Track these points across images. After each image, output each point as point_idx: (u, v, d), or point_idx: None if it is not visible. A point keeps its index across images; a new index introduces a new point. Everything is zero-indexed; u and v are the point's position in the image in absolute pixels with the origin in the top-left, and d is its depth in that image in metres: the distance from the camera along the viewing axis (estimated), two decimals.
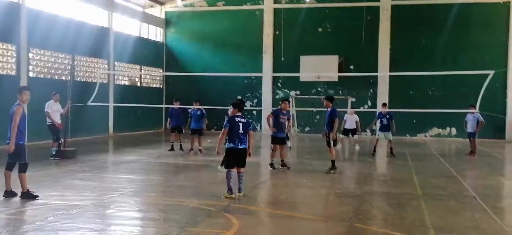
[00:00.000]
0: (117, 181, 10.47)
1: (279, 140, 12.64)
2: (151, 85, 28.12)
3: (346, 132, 18.56)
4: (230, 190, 8.60)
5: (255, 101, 27.04)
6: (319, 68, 24.74)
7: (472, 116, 16.78)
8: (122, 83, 25.47)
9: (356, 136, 18.64)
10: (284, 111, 12.94)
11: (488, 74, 14.71)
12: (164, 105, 27.38)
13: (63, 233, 6.33)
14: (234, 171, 8.68)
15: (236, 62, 27.19)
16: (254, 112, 27.03)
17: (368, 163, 14.52)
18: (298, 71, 25.11)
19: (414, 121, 24.68)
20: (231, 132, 8.58)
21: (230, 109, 9.26)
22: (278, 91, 27.01)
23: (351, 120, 18.52)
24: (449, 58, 24.40)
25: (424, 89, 24.77)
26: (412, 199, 8.91)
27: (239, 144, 8.61)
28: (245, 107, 12.58)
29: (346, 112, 19.59)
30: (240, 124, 8.63)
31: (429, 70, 22.59)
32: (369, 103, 25.55)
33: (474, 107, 16.50)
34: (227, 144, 8.75)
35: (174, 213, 7.52)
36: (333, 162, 11.92)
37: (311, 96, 25.56)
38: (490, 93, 21.32)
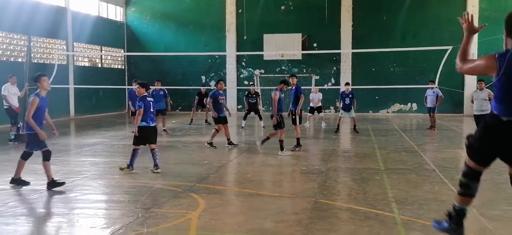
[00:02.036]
0: (80, 164, 10.26)
1: (222, 119, 12.71)
2: (112, 66, 27.54)
3: (311, 110, 18.75)
4: (131, 165, 9.14)
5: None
6: (283, 46, 24.82)
7: (432, 92, 17.23)
8: (82, 65, 24.84)
9: (322, 113, 18.91)
10: (221, 92, 12.92)
11: (446, 50, 15.09)
12: (126, 87, 26.88)
13: (23, 218, 6.17)
14: (140, 148, 9.19)
15: (199, 42, 26.93)
16: (208, 92, 26.84)
17: (332, 140, 14.73)
18: (261, 50, 25.12)
19: (377, 97, 25.17)
20: (145, 111, 9.01)
21: (136, 88, 9.82)
22: (242, 70, 26.94)
23: (316, 97, 18.72)
24: (410, 34, 24.89)
25: (386, 66, 25.23)
26: (375, 173, 9.10)
27: (151, 122, 9.14)
28: (210, 87, 12.54)
29: (310, 90, 19.79)
30: (151, 103, 9.17)
31: (391, 47, 23.04)
32: (333, 80, 25.85)
33: (434, 83, 16.98)
34: (140, 122, 9.05)
35: (139, 194, 7.44)
36: (298, 139, 12.05)
37: (276, 75, 25.64)
38: (449, 69, 21.80)
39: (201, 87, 20.00)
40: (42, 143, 7.83)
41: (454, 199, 4.24)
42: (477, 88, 13.22)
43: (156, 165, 9.13)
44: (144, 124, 9.04)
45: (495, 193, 7.50)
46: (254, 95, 18.20)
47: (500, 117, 3.84)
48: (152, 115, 9.18)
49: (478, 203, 6.90)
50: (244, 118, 18.32)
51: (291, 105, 12.42)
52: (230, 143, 12.69)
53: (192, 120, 19.41)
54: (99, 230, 5.71)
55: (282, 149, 11.49)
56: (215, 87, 13.05)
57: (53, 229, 5.82)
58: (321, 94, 18.96)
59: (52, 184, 7.74)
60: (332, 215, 6.26)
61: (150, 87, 16.36)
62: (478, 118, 12.88)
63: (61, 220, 6.23)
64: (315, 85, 21.57)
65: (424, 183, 8.27)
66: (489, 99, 12.44)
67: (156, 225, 5.81)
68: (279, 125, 11.61)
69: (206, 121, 19.49)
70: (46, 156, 7.84)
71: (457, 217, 4.10)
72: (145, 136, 9.11)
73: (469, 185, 4.08)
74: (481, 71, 4.04)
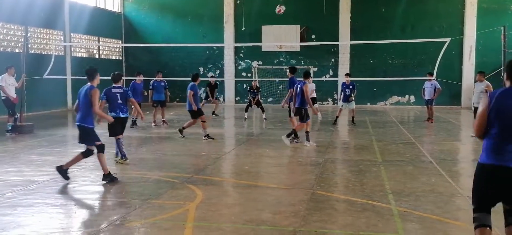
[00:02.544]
0: None
1: (201, 112, 12.63)
2: (110, 57, 27.44)
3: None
4: (123, 155, 9.19)
5: (217, 72, 26.83)
6: (281, 38, 24.76)
7: (430, 84, 17.23)
8: (80, 56, 24.75)
9: (316, 105, 18.76)
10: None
11: (445, 42, 15.08)
12: (124, 78, 26.79)
13: (21, 209, 6.17)
14: (121, 137, 9.22)
15: (197, 33, 26.84)
16: (217, 83, 26.82)
17: (330, 131, 14.74)
18: (260, 41, 25.05)
19: (375, 89, 25.16)
20: (111, 103, 9.08)
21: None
22: (240, 61, 26.89)
23: (309, 88, 18.53)
24: (408, 26, 24.84)
25: (384, 58, 25.20)
26: (372, 165, 9.12)
27: (121, 113, 9.12)
28: (200, 79, 12.62)
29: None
30: (118, 94, 9.11)
31: (389, 39, 23.01)
32: (331, 72, 25.81)
33: (432, 75, 16.97)
34: (109, 113, 9.04)
35: (136, 186, 7.45)
36: (294, 131, 12.01)
37: (274, 67, 25.62)
38: (447, 61, 21.98)
39: (210, 79, 20.08)
40: (97, 136, 7.76)
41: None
42: (476, 80, 13.20)
43: (123, 156, 9.17)
44: (113, 114, 8.99)
45: None
46: (255, 90, 18.37)
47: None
48: (122, 106, 9.11)
49: (469, 194, 6.93)
50: (246, 110, 18.41)
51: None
52: (207, 136, 12.51)
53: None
54: (96, 221, 5.72)
55: (308, 140, 11.57)
56: (194, 82, 12.83)
57: (50, 219, 5.83)
58: (314, 85, 18.84)
59: (108, 176, 7.64)
60: (329, 207, 6.28)
61: (152, 78, 16.46)
62: (476, 110, 12.88)
63: (59, 210, 6.23)
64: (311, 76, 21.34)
65: (421, 175, 8.29)
66: (487, 92, 12.44)
67: (154, 216, 5.83)
68: (305, 117, 11.67)
69: (213, 112, 19.50)
70: (101, 149, 7.73)
71: None
72: (115, 125, 9.01)
73: (479, 218, 4.04)
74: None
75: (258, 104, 18.31)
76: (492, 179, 3.84)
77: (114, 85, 9.27)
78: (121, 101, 9.11)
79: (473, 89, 13.06)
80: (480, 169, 3.96)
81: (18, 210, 6.13)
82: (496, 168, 3.79)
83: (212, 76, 21.18)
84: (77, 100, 7.87)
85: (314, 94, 18.59)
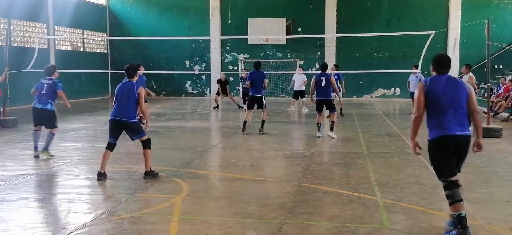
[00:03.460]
0: (62, 150, 10.13)
1: None
2: (95, 50, 27.16)
3: (295, 95, 18.71)
4: (36, 147, 9.15)
5: (203, 65, 26.73)
6: (267, 31, 24.73)
7: (415, 77, 17.36)
8: (64, 49, 24.46)
9: (304, 99, 18.81)
10: None
11: (429, 35, 15.20)
12: (109, 71, 26.63)
13: (4, 203, 6.09)
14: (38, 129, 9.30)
15: (183, 26, 26.67)
16: (203, 76, 26.78)
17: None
18: (246, 34, 24.99)
19: (360, 82, 25.30)
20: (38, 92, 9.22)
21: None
22: (226, 54, 26.80)
23: (300, 79, 18.56)
24: (394, 20, 24.98)
25: (370, 51, 25.33)
26: (358, 157, 9.18)
27: (38, 104, 9.16)
28: (194, 72, 12.50)
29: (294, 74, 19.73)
30: (45, 85, 9.19)
31: (374, 32, 23.13)
32: (317, 65, 25.84)
33: (417, 67, 17.08)
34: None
35: (122, 179, 7.40)
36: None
37: (260, 60, 25.51)
38: (432, 54, 21.93)
39: (220, 75, 20.10)
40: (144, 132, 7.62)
41: (450, 210, 4.85)
42: (462, 71, 13.33)
43: (45, 148, 9.15)
44: (32, 105, 9.20)
45: (474, 176, 7.63)
46: (244, 79, 18.29)
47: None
48: (43, 98, 9.12)
49: None
50: (243, 102, 18.41)
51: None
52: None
53: (217, 105, 19.81)
54: (81, 215, 5.67)
55: (332, 129, 11.73)
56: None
57: (34, 214, 5.77)
58: (305, 75, 18.86)
59: (150, 173, 7.47)
60: (316, 199, 6.31)
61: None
62: None
63: (43, 205, 6.17)
64: (300, 67, 21.27)
65: (406, 166, 8.37)
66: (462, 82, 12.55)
67: (140, 210, 5.80)
68: (334, 107, 11.90)
69: (238, 105, 19.50)
70: (147, 145, 7.58)
71: (459, 222, 4.69)
72: (34, 117, 9.21)
73: (452, 194, 4.79)
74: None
75: (246, 95, 18.25)
76: (446, 147, 4.83)
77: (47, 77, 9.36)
78: (43, 92, 9.13)
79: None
80: (434, 144, 4.92)
81: (1, 205, 6.04)
82: (445, 138, 4.81)
83: (221, 73, 20.96)
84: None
85: (303, 87, 18.63)
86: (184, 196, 6.40)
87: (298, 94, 18.70)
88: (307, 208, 5.89)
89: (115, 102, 7.45)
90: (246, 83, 12.74)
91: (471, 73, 12.79)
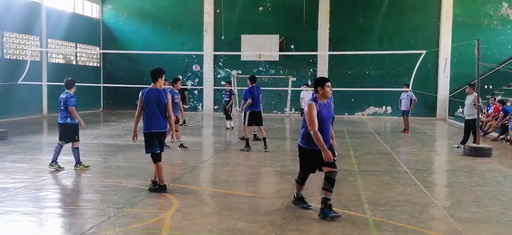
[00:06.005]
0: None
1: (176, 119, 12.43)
2: (87, 63, 27.11)
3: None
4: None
5: (196, 80, 26.75)
6: (260, 47, 24.83)
7: (406, 95, 17.47)
8: (57, 62, 24.40)
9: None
10: (177, 91, 12.57)
11: (421, 54, 15.34)
12: (101, 85, 26.57)
13: None
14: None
15: (177, 41, 26.74)
16: (196, 91, 26.79)
17: None
18: (239, 50, 25.08)
19: (352, 99, 25.41)
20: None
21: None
22: (219, 70, 26.85)
23: (307, 96, 18.42)
24: (386, 38, 25.20)
25: (362, 69, 25.48)
26: (349, 175, 9.19)
27: (59, 118, 9.43)
28: (187, 87, 12.48)
29: (300, 91, 19.53)
30: (61, 99, 9.34)
31: (367, 50, 23.30)
32: (309, 82, 25.92)
33: (408, 86, 17.20)
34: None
35: (111, 194, 7.34)
36: None
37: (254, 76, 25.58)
38: (423, 73, 22.37)
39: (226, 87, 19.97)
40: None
41: (296, 190, 6.63)
42: (466, 92, 13.28)
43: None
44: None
45: (464, 195, 7.66)
46: (228, 93, 17.95)
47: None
48: (62, 112, 9.36)
49: (448, 205, 7.04)
50: (227, 117, 17.73)
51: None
52: (181, 146, 12.32)
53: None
54: (69, 230, 5.61)
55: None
56: (171, 86, 12.71)
57: (21, 228, 5.70)
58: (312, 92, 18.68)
59: (160, 187, 7.48)
60: (306, 216, 6.29)
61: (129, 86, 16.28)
62: (467, 122, 13.07)
63: (30, 219, 6.10)
64: (306, 85, 20.74)
65: (397, 184, 8.38)
66: (474, 104, 12.60)
67: (128, 225, 5.75)
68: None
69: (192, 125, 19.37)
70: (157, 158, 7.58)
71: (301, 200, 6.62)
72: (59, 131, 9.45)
73: (303, 182, 6.58)
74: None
75: (226, 111, 17.78)
76: (311, 156, 6.29)
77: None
78: (61, 107, 9.25)
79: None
80: (304, 150, 6.37)
81: None
82: (312, 150, 6.19)
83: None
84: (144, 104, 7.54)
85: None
86: (174, 212, 6.36)
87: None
88: (297, 225, 5.87)
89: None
90: (247, 102, 12.35)
91: (476, 93, 12.78)
